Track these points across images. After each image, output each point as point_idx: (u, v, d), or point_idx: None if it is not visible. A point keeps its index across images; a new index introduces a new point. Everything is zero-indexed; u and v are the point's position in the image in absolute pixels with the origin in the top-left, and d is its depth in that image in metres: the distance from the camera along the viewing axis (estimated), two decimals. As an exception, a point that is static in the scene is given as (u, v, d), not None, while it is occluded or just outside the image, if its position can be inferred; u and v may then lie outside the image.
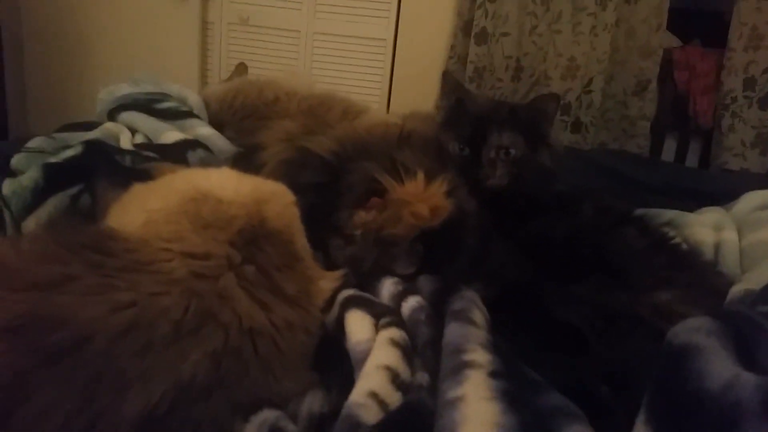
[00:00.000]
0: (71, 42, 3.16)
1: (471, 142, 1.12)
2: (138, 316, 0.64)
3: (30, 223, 0.94)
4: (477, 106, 1.18)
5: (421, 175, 0.94)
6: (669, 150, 2.99)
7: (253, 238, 0.77)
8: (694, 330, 0.51)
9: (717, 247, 1.11)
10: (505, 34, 2.84)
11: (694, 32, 3.07)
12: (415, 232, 0.91)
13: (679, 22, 2.94)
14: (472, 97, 1.23)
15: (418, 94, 2.96)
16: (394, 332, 0.71)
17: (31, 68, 3.25)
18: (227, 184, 0.85)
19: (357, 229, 0.94)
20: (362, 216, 0.93)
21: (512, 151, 1.10)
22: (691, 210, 1.28)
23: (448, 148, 1.13)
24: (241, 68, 1.88)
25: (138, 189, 0.87)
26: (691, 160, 2.98)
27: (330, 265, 0.90)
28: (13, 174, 1.06)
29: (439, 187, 0.94)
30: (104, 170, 1.00)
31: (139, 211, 0.81)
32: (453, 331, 0.68)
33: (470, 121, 1.13)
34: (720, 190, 1.46)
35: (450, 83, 1.26)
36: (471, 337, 0.66)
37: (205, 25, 3.12)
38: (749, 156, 2.73)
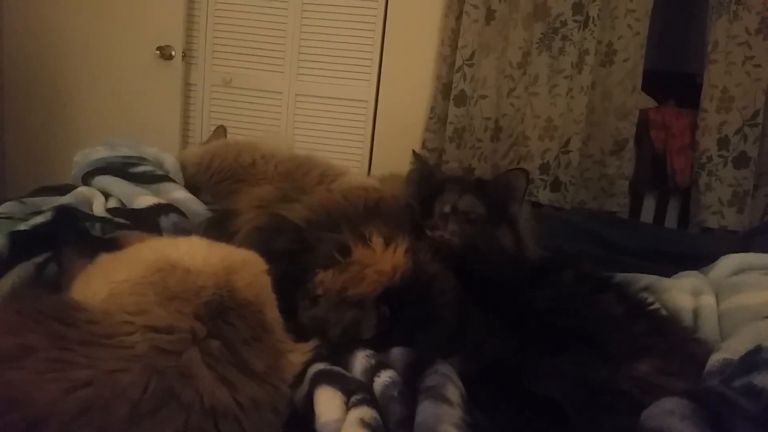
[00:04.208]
0: (53, 102, 3.17)
1: (429, 197, 1.11)
2: (95, 396, 0.61)
3: (-7, 294, 0.91)
4: (444, 174, 1.18)
5: (379, 239, 0.95)
6: (648, 208, 3.02)
7: (220, 310, 0.75)
8: (668, 413, 0.49)
9: (696, 312, 1.10)
10: (483, 97, 2.89)
11: (668, 93, 3.14)
12: (378, 290, 0.91)
13: (654, 83, 3.01)
14: (443, 171, 1.23)
15: (399, 155, 2.97)
16: (365, 412, 0.69)
17: (11, 130, 3.24)
18: (196, 254, 0.84)
19: (318, 288, 0.93)
20: (321, 275, 0.93)
21: (470, 215, 1.08)
22: (669, 273, 1.28)
23: (413, 207, 1.12)
24: (220, 131, 1.88)
25: (104, 259, 0.85)
26: (671, 218, 3.00)
27: (301, 332, 0.88)
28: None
29: (396, 248, 0.95)
30: (72, 239, 0.98)
31: (103, 282, 0.79)
32: (426, 410, 0.66)
33: (435, 183, 1.12)
34: (698, 253, 1.47)
35: (421, 164, 1.24)
36: (444, 418, 0.64)
37: (187, 87, 3.16)
38: (727, 214, 2.76)
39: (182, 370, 0.66)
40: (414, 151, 1.28)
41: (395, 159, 2.95)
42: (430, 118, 2.99)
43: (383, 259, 0.93)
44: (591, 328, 0.91)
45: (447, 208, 1.08)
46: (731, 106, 2.72)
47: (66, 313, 0.68)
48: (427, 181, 1.16)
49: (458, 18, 2.87)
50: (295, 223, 1.03)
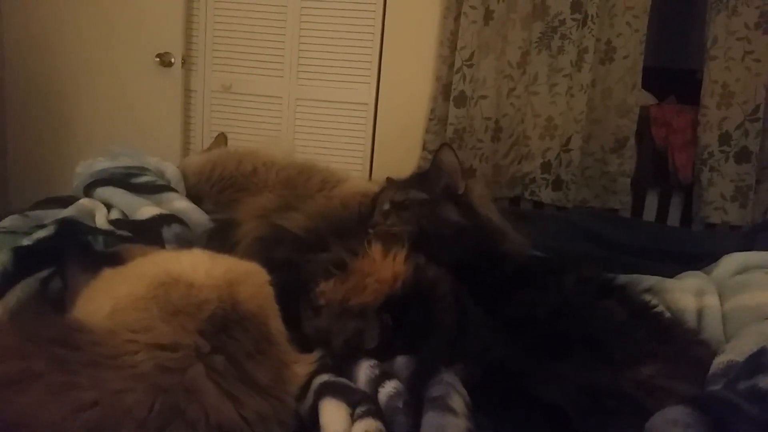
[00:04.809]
0: (54, 111, 3.17)
1: (374, 201, 1.14)
2: (101, 416, 0.61)
3: (-3, 310, 0.92)
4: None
5: (378, 246, 0.95)
6: (651, 205, 3.02)
7: (224, 324, 0.75)
8: (672, 423, 0.49)
9: (699, 313, 1.09)
10: (483, 97, 2.89)
11: (669, 90, 3.14)
12: (380, 299, 0.91)
13: (654, 80, 3.02)
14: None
15: (400, 157, 2.99)
16: (370, 423, 0.69)
17: (13, 139, 3.25)
18: (199, 267, 0.84)
19: (320, 299, 0.93)
20: (322, 286, 0.93)
21: (409, 204, 1.10)
22: (672, 273, 1.27)
23: None
24: (221, 139, 1.89)
25: (107, 274, 0.85)
26: (674, 214, 3.00)
27: (305, 342, 0.88)
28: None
29: (396, 255, 0.95)
30: (75, 253, 0.98)
31: (106, 297, 0.79)
32: (430, 421, 0.66)
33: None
34: (700, 251, 1.46)
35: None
36: (449, 428, 0.65)
37: (187, 93, 3.16)
38: (730, 209, 2.76)
39: (187, 387, 0.66)
40: (388, 179, 1.27)
41: (397, 162, 2.96)
42: (431, 119, 2.99)
43: (383, 267, 0.94)
44: (594, 332, 0.91)
45: (386, 206, 1.09)
46: (732, 101, 2.73)
47: (69, 336, 0.68)
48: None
49: (457, 19, 2.87)
50: (295, 233, 1.04)
